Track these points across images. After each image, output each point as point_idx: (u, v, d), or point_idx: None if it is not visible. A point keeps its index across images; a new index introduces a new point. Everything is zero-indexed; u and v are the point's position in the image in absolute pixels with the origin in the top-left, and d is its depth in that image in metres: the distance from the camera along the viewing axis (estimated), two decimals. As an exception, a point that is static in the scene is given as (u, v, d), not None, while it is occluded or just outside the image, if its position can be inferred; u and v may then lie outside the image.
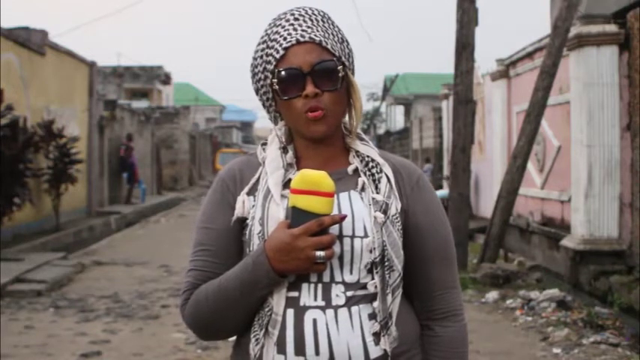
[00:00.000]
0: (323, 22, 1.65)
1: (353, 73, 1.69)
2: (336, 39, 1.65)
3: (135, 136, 22.97)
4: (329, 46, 1.62)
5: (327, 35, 1.63)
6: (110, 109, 20.29)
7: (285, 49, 1.61)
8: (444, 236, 1.70)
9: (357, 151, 1.70)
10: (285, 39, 1.62)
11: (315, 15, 1.65)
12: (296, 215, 1.53)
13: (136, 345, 6.49)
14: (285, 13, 1.66)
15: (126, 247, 13.18)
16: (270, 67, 1.63)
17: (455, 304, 1.70)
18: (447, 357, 1.67)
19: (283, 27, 1.63)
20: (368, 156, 1.69)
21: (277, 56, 1.62)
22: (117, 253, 12.32)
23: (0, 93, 11.42)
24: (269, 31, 1.66)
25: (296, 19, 1.63)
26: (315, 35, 1.62)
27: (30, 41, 13.91)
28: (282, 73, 1.61)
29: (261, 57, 1.66)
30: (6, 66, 12.41)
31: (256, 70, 1.68)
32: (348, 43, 1.69)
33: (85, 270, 10.50)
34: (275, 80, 1.62)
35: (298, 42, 1.61)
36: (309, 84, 1.59)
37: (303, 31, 1.61)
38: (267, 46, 1.64)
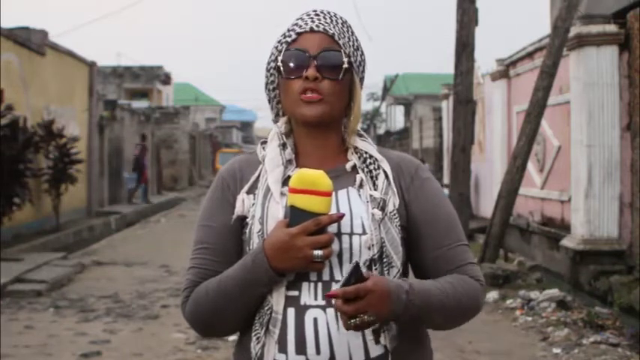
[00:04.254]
0: (342, 25, 1.69)
1: (361, 82, 1.72)
2: (350, 42, 1.68)
3: (135, 136, 22.98)
4: (341, 42, 1.66)
5: (342, 35, 1.67)
6: (110, 109, 20.29)
7: (299, 34, 1.66)
8: (450, 219, 1.70)
9: (355, 148, 1.71)
10: (300, 27, 1.67)
11: (336, 17, 1.70)
12: (294, 214, 1.54)
13: (136, 345, 6.49)
14: (309, 10, 1.72)
15: (126, 247, 13.18)
16: (281, 51, 1.68)
17: (474, 273, 1.67)
18: (453, 283, 1.62)
19: (303, 19, 1.69)
20: (366, 152, 1.70)
21: (289, 40, 1.66)
22: (117, 253, 12.32)
23: (0, 93, 11.42)
24: (289, 25, 1.71)
25: (317, 15, 1.68)
26: (330, 29, 1.66)
27: (30, 41, 13.91)
28: (289, 51, 1.65)
29: (276, 47, 1.70)
30: (6, 66, 12.41)
31: (269, 60, 1.72)
32: (362, 53, 1.72)
33: (85, 270, 10.50)
34: (280, 58, 1.66)
35: (312, 30, 1.65)
36: (311, 67, 1.63)
37: (320, 23, 1.66)
38: (285, 36, 1.69)
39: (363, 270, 1.51)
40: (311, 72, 1.62)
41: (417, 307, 1.54)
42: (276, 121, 1.75)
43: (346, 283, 1.45)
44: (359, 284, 1.45)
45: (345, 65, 1.65)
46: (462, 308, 1.63)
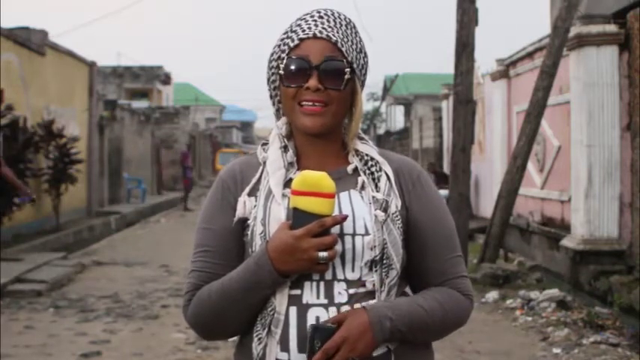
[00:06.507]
0: (346, 27, 1.67)
1: (362, 85, 1.70)
2: (353, 46, 1.67)
3: (135, 136, 22.99)
4: (344, 49, 1.63)
5: (345, 40, 1.65)
6: (110, 109, 20.29)
7: (301, 39, 1.63)
8: (448, 231, 1.70)
9: (356, 150, 1.71)
10: (303, 31, 1.64)
11: (340, 19, 1.67)
12: (297, 216, 1.54)
13: (136, 345, 6.49)
14: (312, 11, 1.69)
15: (126, 247, 13.18)
16: (283, 55, 1.66)
17: (465, 288, 1.69)
18: (438, 298, 1.64)
19: (306, 21, 1.66)
20: (367, 154, 1.70)
21: (292, 45, 1.64)
22: (117, 253, 12.32)
23: (0, 93, 11.42)
24: (293, 24, 1.69)
25: (320, 17, 1.66)
26: (334, 35, 1.63)
27: (30, 41, 13.91)
28: (291, 59, 1.63)
29: (279, 46, 1.68)
30: (6, 66, 12.40)
31: (271, 58, 1.71)
32: (365, 55, 1.71)
33: (85, 270, 10.50)
34: (282, 65, 1.64)
35: (315, 36, 1.63)
36: (313, 77, 1.61)
37: (323, 28, 1.64)
38: (287, 37, 1.67)
39: (367, 278, 1.56)
40: (312, 83, 1.61)
41: (402, 333, 1.57)
42: (277, 117, 1.75)
43: (311, 350, 1.50)
44: (325, 344, 1.50)
45: (348, 76, 1.63)
46: (445, 327, 1.67)
